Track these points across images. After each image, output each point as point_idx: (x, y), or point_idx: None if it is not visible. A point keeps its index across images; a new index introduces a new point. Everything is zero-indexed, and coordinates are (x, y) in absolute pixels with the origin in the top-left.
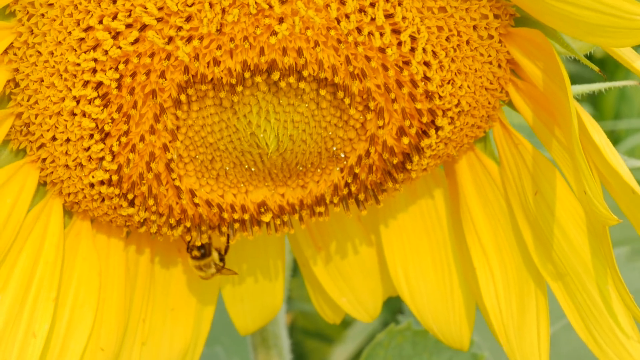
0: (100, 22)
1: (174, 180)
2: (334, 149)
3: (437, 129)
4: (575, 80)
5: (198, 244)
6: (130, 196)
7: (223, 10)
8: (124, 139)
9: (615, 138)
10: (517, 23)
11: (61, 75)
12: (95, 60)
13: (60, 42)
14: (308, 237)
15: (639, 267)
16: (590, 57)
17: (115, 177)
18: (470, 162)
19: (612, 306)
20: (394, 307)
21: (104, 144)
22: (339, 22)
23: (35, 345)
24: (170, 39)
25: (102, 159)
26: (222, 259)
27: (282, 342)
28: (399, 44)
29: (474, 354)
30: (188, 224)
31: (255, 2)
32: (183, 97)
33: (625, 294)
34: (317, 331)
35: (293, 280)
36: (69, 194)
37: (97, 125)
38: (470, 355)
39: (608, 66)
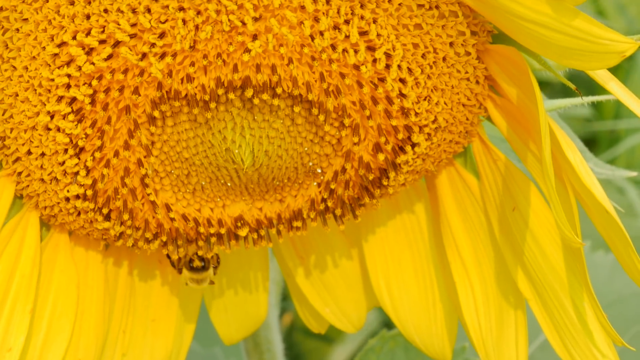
0: (74, 37)
1: (149, 195)
2: (311, 164)
3: (414, 145)
4: (570, 89)
5: (200, 254)
6: (105, 210)
7: (196, 27)
8: (98, 154)
9: (615, 138)
10: (495, 40)
11: (35, 90)
12: (69, 75)
13: (34, 57)
14: (291, 248)
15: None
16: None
17: (90, 192)
18: (450, 176)
19: (587, 323)
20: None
21: (79, 158)
22: (312, 39)
23: (12, 358)
24: (144, 56)
25: (77, 173)
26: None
27: (275, 347)
28: (374, 61)
29: (468, 359)
30: (164, 238)
31: (229, 19)
32: (157, 113)
33: (599, 312)
34: None
35: None
36: (45, 207)
37: (71, 140)
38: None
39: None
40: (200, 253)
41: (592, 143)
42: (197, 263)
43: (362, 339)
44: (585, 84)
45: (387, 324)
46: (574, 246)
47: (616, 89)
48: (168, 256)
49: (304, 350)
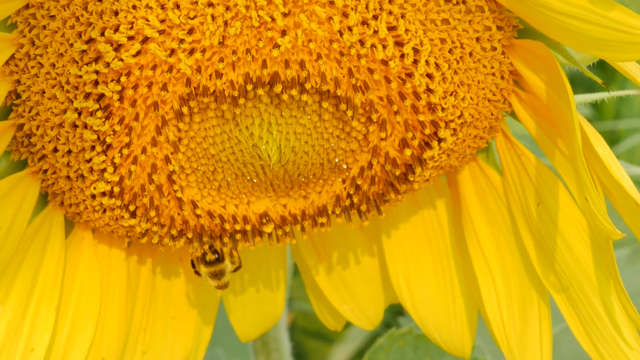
0: (102, 34)
1: (175, 191)
2: (336, 160)
3: (440, 140)
4: (574, 82)
5: (212, 246)
6: (131, 207)
7: (225, 23)
8: (125, 151)
9: (615, 138)
10: (520, 35)
11: (63, 87)
12: (97, 72)
13: (62, 54)
14: (310, 246)
15: None
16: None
17: (116, 189)
18: (472, 172)
19: (615, 317)
20: (394, 309)
21: (106, 155)
22: (341, 34)
23: (36, 357)
24: (173, 52)
25: (104, 170)
26: (233, 271)
27: (282, 346)
28: (402, 56)
29: (476, 358)
30: (190, 235)
31: (258, 15)
32: (185, 109)
33: (629, 305)
34: (318, 331)
35: (293, 280)
36: (70, 205)
37: (98, 137)
38: (473, 359)
39: (608, 68)
40: (211, 246)
41: None
42: (210, 256)
43: (362, 339)
44: (585, 84)
45: (389, 324)
46: (612, 237)
47: None
48: (192, 263)
49: (305, 350)
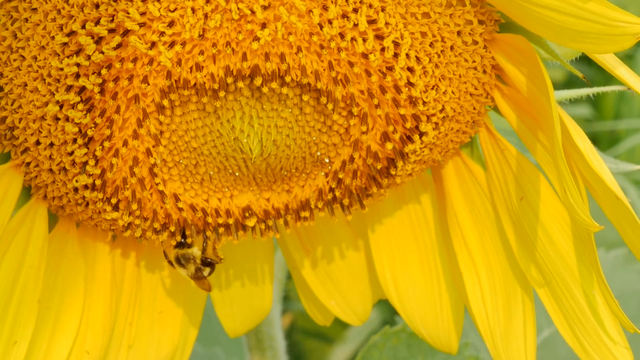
0: (83, 27)
1: (157, 184)
2: (318, 154)
3: (421, 134)
4: (574, 81)
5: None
6: (113, 200)
7: (205, 16)
8: (107, 144)
9: (615, 138)
10: (502, 29)
11: (44, 79)
12: (78, 65)
13: (43, 46)
14: (297, 240)
15: (637, 268)
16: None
17: (98, 182)
18: (456, 167)
19: (598, 311)
20: (393, 307)
21: (87, 148)
22: (321, 27)
23: (19, 351)
24: (153, 44)
25: (86, 163)
26: (207, 264)
27: (277, 344)
28: (382, 49)
29: (471, 355)
30: (172, 228)
31: (238, 8)
32: (166, 102)
33: (611, 300)
34: (317, 331)
35: (291, 280)
36: (53, 198)
37: (80, 130)
38: (467, 356)
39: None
40: (178, 239)
41: (593, 143)
42: (177, 237)
43: (362, 338)
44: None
45: (388, 322)
46: (590, 230)
47: (626, 75)
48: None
49: (304, 350)
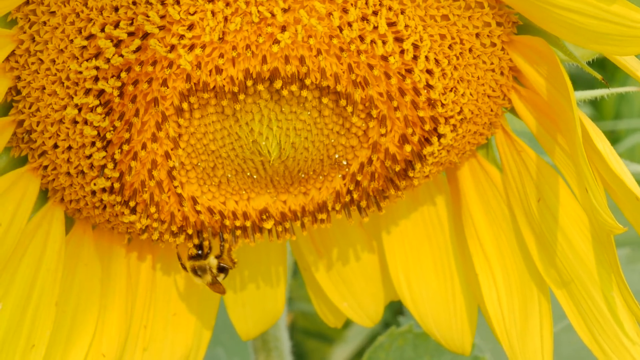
0: (102, 30)
1: (175, 187)
2: (336, 156)
3: (440, 136)
4: (575, 81)
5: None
6: (132, 204)
7: (225, 19)
8: (125, 147)
9: (615, 138)
10: (520, 31)
11: (63, 83)
12: (97, 68)
13: (62, 50)
14: (310, 242)
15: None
16: (590, 61)
17: (117, 185)
18: (472, 168)
19: (617, 312)
20: (394, 308)
21: (106, 151)
22: (341, 30)
23: (37, 354)
24: (173, 47)
25: (104, 166)
26: (222, 270)
27: (282, 345)
28: (402, 52)
29: (476, 356)
30: (190, 231)
31: (258, 11)
32: (185, 105)
33: (631, 300)
34: (317, 331)
35: (293, 280)
36: (70, 201)
37: (99, 133)
38: (471, 357)
39: (608, 67)
40: (196, 242)
41: None
42: (192, 250)
43: (362, 339)
44: (586, 83)
45: (389, 323)
46: (614, 231)
47: None
48: (178, 255)
49: (305, 351)
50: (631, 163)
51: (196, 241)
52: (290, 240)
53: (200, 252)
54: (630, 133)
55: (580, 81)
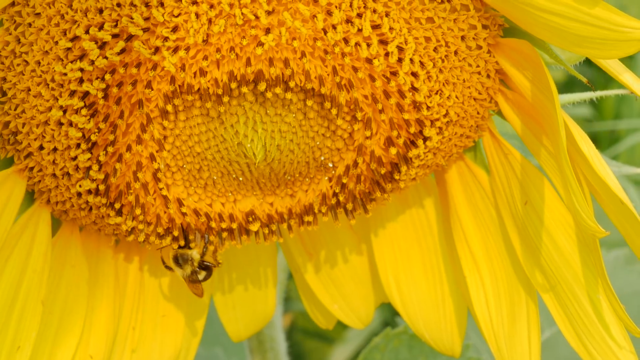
0: (87, 32)
1: (161, 189)
2: (322, 158)
3: (425, 139)
4: (573, 83)
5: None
6: (117, 205)
7: (209, 21)
8: (110, 149)
9: (615, 138)
10: (506, 33)
11: (48, 84)
12: (81, 70)
13: (47, 51)
14: (299, 244)
15: (638, 269)
16: (578, 65)
17: (102, 187)
18: (460, 171)
19: (603, 316)
20: (394, 308)
21: (91, 153)
22: (325, 32)
23: (22, 356)
24: (157, 50)
25: (89, 168)
26: (204, 268)
27: (278, 345)
28: (386, 54)
29: (472, 357)
30: (176, 233)
31: (242, 13)
32: (170, 107)
33: (616, 303)
34: (317, 331)
35: (292, 281)
36: (56, 203)
37: (83, 135)
38: (468, 358)
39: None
40: (182, 244)
41: (593, 143)
42: (181, 242)
43: (362, 339)
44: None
45: (389, 323)
46: (597, 235)
47: (631, 81)
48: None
49: (305, 351)
50: (623, 165)
51: (182, 243)
52: (281, 243)
53: (186, 242)
54: (630, 133)
55: (578, 83)
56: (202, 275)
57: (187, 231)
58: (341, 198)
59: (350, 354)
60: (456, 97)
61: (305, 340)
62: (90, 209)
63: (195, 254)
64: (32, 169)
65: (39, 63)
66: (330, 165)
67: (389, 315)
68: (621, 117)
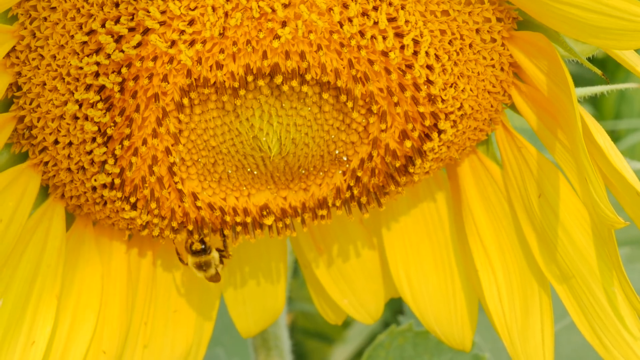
0: (103, 25)
1: (176, 183)
2: (337, 152)
3: (440, 132)
4: (576, 80)
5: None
6: (132, 199)
7: (226, 14)
8: (126, 143)
9: (615, 137)
10: (520, 26)
11: (64, 78)
12: (97, 63)
13: (62, 45)
14: (310, 239)
15: (639, 268)
16: (591, 58)
17: (117, 181)
18: (472, 165)
19: (618, 308)
20: (395, 307)
21: (107, 147)
22: (341, 25)
23: (37, 351)
24: (173, 43)
25: (105, 162)
26: (221, 261)
27: (282, 344)
28: (402, 47)
29: (476, 355)
30: (190, 227)
31: (258, 6)
32: (186, 101)
33: (632, 295)
34: (318, 331)
35: (293, 280)
36: (71, 197)
37: (99, 129)
38: (471, 356)
39: (609, 66)
40: (196, 238)
41: None
42: (196, 246)
43: (362, 339)
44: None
45: (389, 322)
46: (615, 226)
47: None
48: (176, 250)
49: (305, 350)
50: (631, 160)
51: (197, 237)
52: (291, 238)
53: (204, 246)
54: (630, 132)
55: (580, 80)
56: (220, 267)
57: (202, 227)
58: (355, 192)
59: (350, 354)
60: (470, 90)
61: (305, 340)
62: (105, 203)
63: (215, 254)
64: (46, 163)
65: (55, 57)
66: (345, 158)
67: (390, 315)
68: (621, 117)
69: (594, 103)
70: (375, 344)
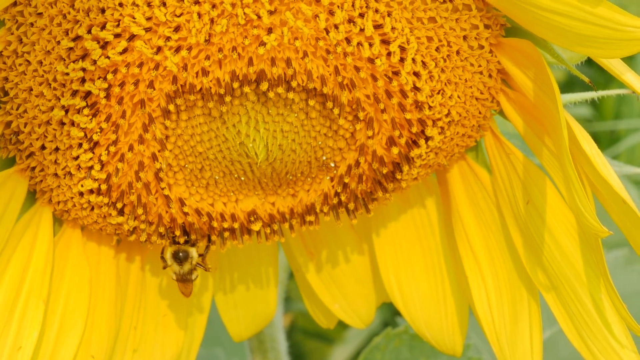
0: (89, 31)
1: (163, 189)
2: (324, 158)
3: (427, 139)
4: (574, 83)
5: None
6: (119, 205)
7: (211, 21)
8: (112, 148)
9: (615, 138)
10: (508, 33)
11: (50, 84)
12: (83, 69)
13: (49, 51)
14: (301, 244)
15: (638, 269)
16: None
17: (104, 186)
18: (462, 170)
19: (605, 315)
20: (394, 308)
21: (93, 153)
22: (327, 32)
23: (24, 356)
24: (159, 49)
25: (91, 168)
26: (199, 264)
27: (279, 345)
28: (388, 54)
29: (473, 356)
30: (177, 232)
31: (244, 13)
32: (172, 107)
33: (619, 303)
34: (317, 331)
35: (292, 280)
36: (58, 202)
37: (85, 135)
38: (468, 358)
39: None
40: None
41: None
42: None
43: (362, 339)
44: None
45: (388, 323)
46: (599, 235)
47: (633, 80)
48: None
49: (305, 351)
50: (625, 165)
51: (182, 240)
52: (282, 243)
53: (188, 238)
54: (630, 133)
55: (578, 83)
56: (193, 275)
57: (189, 230)
58: (343, 198)
59: (350, 354)
60: (458, 96)
61: (305, 340)
62: (92, 208)
63: (194, 252)
64: (33, 168)
65: (41, 63)
66: (332, 164)
67: (389, 316)
68: (621, 117)
69: (594, 104)
70: (371, 346)
